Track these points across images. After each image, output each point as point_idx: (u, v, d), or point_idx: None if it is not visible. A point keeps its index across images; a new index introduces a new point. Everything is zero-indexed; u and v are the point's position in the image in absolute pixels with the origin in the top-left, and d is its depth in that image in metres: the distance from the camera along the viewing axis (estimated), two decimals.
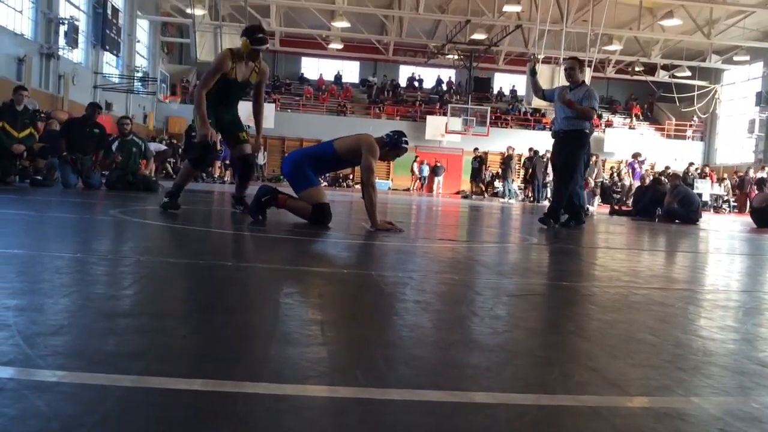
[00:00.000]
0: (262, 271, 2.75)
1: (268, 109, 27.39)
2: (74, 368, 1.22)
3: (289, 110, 29.91)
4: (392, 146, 5.16)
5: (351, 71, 35.18)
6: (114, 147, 9.43)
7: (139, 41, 26.47)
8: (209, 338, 1.53)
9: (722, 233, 8.97)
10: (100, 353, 1.33)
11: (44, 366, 1.20)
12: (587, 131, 7.00)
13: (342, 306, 2.15)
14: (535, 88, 7.60)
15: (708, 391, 1.36)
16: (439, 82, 35.33)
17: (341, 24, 25.69)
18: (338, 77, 34.37)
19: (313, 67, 34.72)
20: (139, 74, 25.65)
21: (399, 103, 32.77)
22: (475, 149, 25.73)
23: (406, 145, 5.21)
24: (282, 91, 32.42)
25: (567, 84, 7.12)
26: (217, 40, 20.46)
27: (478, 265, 3.41)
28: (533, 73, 7.74)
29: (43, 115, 12.93)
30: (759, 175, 19.93)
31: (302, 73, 34.71)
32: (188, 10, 21.43)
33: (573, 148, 6.90)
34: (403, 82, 35.24)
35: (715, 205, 22.35)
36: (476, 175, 25.17)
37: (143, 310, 1.81)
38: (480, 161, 25.02)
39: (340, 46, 30.57)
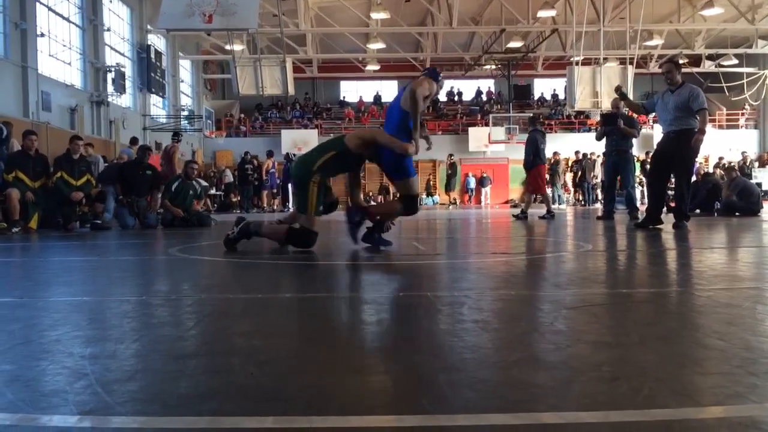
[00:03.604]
0: (318, 300, 2.79)
1: (311, 135, 27.77)
2: (152, 413, 1.27)
3: (331, 134, 30.10)
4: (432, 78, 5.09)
5: (390, 90, 35.40)
6: (174, 187, 9.76)
7: (182, 81, 27.31)
8: (275, 373, 1.56)
9: None
10: (173, 396, 1.38)
11: (123, 413, 1.26)
12: (696, 129, 7.01)
13: (401, 331, 2.17)
14: (633, 108, 7.80)
15: None
16: (479, 93, 35.25)
17: (376, 45, 25.95)
18: (377, 97, 34.67)
19: (352, 90, 35.12)
20: (185, 113, 26.42)
21: (440, 118, 32.78)
22: (449, 156, 25.44)
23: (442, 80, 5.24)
24: (323, 117, 32.83)
25: (667, 88, 7.18)
26: (257, 73, 20.92)
27: (534, 278, 3.39)
28: (624, 97, 8.17)
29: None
30: None
31: (342, 97, 35.15)
32: (227, 47, 21.99)
33: (687, 147, 6.95)
34: (442, 96, 35.24)
35: None
36: (449, 182, 24.75)
37: (210, 350, 1.86)
38: (453, 167, 24.73)
39: (377, 67, 30.86)
